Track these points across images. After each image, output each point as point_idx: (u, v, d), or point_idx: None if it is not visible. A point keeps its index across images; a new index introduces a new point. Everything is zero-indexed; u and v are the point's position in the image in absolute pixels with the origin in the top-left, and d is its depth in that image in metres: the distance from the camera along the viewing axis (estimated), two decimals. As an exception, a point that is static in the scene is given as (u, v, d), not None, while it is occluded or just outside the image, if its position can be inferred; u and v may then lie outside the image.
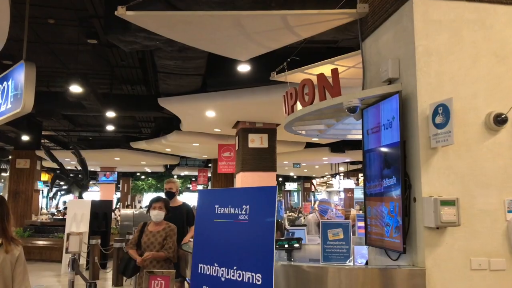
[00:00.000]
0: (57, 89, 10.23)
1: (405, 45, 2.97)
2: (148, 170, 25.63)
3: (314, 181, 30.13)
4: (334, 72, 3.33)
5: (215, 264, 2.51)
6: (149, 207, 4.47)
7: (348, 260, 2.81)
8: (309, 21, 3.75)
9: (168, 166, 23.25)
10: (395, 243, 2.81)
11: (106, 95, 10.39)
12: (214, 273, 2.48)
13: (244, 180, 9.62)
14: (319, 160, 17.77)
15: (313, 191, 30.30)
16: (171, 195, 5.30)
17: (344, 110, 3.54)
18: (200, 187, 29.62)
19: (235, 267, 2.39)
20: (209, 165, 21.03)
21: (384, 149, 3.05)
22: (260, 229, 2.33)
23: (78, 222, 9.74)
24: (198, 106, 8.68)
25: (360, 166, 22.32)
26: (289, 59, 4.65)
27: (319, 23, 3.82)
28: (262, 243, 2.31)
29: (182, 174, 28.02)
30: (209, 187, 23.80)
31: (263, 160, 9.78)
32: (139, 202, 29.23)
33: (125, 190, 28.46)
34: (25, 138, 13.40)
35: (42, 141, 15.67)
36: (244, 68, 6.68)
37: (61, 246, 9.23)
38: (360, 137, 5.17)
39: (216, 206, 2.67)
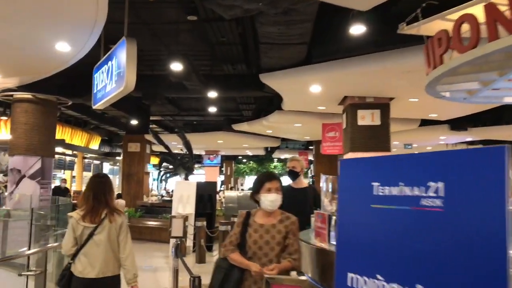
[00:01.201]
0: (160, 72, 10.32)
1: None
2: (250, 153, 25.83)
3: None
4: (512, -2, 2.34)
5: (379, 277, 1.54)
6: (258, 187, 2.91)
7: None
8: None
9: (269, 149, 23.12)
10: None
11: (207, 76, 10.24)
12: (377, 290, 1.54)
13: (353, 161, 8.71)
14: (435, 139, 15.95)
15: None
16: (295, 175, 4.43)
17: (518, 57, 2.54)
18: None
19: (418, 286, 1.41)
20: (310, 147, 20.34)
21: None
22: (474, 224, 1.27)
23: (184, 204, 9.77)
24: (301, 80, 7.97)
25: (480, 146, 19.79)
26: (424, 4, 3.66)
27: None
28: (479, 250, 1.26)
29: (282, 157, 27.80)
30: (310, 171, 23.11)
31: (375, 138, 8.76)
32: (241, 185, 29.97)
33: (228, 173, 29.22)
34: (134, 122, 14.02)
35: (151, 126, 16.37)
36: (357, 30, 5.71)
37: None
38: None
39: (375, 184, 1.61)
